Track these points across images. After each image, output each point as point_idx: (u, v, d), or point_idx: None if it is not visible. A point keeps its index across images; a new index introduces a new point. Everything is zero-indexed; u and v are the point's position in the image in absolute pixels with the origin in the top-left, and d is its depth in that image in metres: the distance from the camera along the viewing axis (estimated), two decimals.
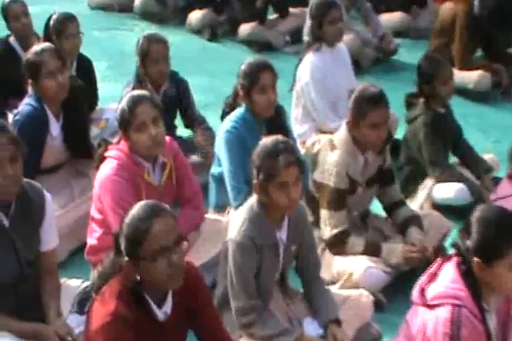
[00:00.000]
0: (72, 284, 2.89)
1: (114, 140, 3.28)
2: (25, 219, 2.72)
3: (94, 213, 3.19)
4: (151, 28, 7.36)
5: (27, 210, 2.73)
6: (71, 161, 3.94)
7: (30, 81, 3.73)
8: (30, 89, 3.81)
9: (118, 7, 7.77)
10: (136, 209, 2.28)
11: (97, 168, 3.22)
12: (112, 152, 3.17)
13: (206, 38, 6.89)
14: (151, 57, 4.04)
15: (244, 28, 6.60)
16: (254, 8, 6.59)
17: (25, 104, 3.74)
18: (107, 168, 3.11)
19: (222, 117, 3.78)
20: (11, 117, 4.09)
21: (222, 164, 3.57)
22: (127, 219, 2.27)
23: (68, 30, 4.52)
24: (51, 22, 4.55)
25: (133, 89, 4.01)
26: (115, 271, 2.32)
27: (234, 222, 2.75)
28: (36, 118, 3.67)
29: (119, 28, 7.42)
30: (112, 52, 6.66)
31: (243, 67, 3.59)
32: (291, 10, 6.69)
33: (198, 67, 6.11)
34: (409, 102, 4.01)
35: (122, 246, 2.26)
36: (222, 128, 3.61)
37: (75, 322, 2.67)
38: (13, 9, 4.87)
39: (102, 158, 3.19)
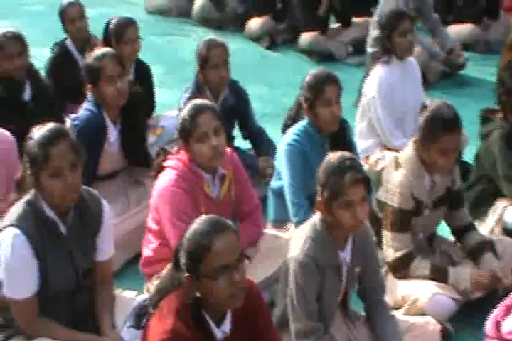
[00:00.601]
0: (127, 296, 2.89)
1: (174, 149, 3.29)
2: (82, 227, 2.74)
3: (151, 224, 3.19)
4: (208, 35, 7.38)
5: (84, 218, 2.74)
6: (127, 169, 3.97)
7: (89, 86, 3.78)
8: (89, 94, 3.86)
9: (176, 12, 7.85)
10: (199, 223, 2.27)
11: (155, 177, 3.23)
12: (171, 162, 3.18)
13: (265, 46, 6.91)
14: (211, 62, 4.04)
15: (305, 37, 6.59)
16: (315, 17, 6.58)
17: (84, 109, 3.79)
18: (166, 178, 3.12)
19: (284, 130, 3.76)
20: (68, 122, 4.14)
21: (282, 178, 3.55)
22: (188, 234, 2.26)
23: (127, 35, 4.55)
24: (110, 26, 4.60)
25: (192, 95, 4.05)
26: (174, 286, 2.31)
27: (296, 239, 2.72)
28: (94, 123, 3.71)
29: (176, 34, 7.49)
30: (169, 58, 6.73)
31: (307, 78, 3.56)
32: (354, 19, 6.68)
33: (256, 76, 6.12)
34: (485, 117, 3.89)
35: (182, 261, 2.25)
36: (283, 141, 3.59)
37: (129, 336, 2.67)
38: (69, 12, 4.98)
39: (161, 168, 3.21)
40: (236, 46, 6.86)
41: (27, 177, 2.68)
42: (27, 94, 4.31)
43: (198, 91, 4.09)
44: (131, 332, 2.68)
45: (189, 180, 3.11)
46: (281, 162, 3.56)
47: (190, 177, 3.12)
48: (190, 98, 4.05)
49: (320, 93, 3.48)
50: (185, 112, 3.13)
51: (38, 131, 2.64)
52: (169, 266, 2.42)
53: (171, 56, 6.79)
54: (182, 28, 7.62)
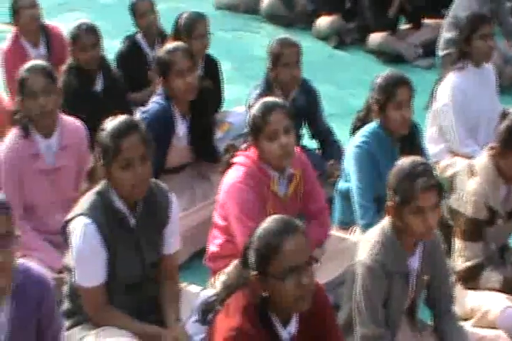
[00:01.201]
0: (192, 290, 2.90)
1: (243, 146, 3.28)
2: (150, 220, 2.75)
3: (217, 219, 3.20)
4: (277, 32, 7.40)
5: (153, 211, 2.75)
6: (194, 163, 3.99)
7: (159, 79, 3.81)
8: (159, 88, 3.89)
9: (243, 8, 7.84)
10: (269, 222, 2.26)
11: (223, 173, 3.23)
12: (240, 158, 3.18)
13: (332, 46, 6.85)
14: (283, 61, 4.00)
15: (375, 38, 6.51)
16: (386, 18, 6.50)
17: (154, 102, 3.82)
18: (234, 175, 3.11)
19: (353, 131, 3.72)
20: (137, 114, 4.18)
21: (349, 179, 3.51)
22: (259, 232, 2.25)
23: (198, 30, 4.55)
24: (181, 21, 4.59)
25: (261, 93, 4.04)
26: (241, 283, 2.31)
27: (364, 243, 2.68)
28: (164, 117, 3.74)
29: (245, 30, 7.49)
30: (237, 54, 6.73)
31: (379, 80, 3.51)
32: (425, 21, 6.56)
33: (323, 75, 6.06)
34: None
35: (251, 260, 2.24)
36: (352, 142, 3.55)
37: (194, 330, 2.68)
38: (140, 6, 5.04)
39: (229, 164, 3.21)
40: (304, 44, 6.79)
41: (98, 168, 2.71)
42: (99, 86, 4.38)
43: (268, 89, 4.06)
44: (196, 327, 2.70)
45: (257, 178, 3.09)
46: (349, 164, 3.51)
47: (258, 175, 3.10)
48: (260, 95, 4.03)
49: (391, 95, 3.42)
50: (256, 109, 3.11)
51: (111, 123, 2.67)
52: (236, 262, 2.42)
53: (239, 52, 6.79)
54: (250, 24, 7.62)
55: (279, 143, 3.03)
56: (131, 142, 2.61)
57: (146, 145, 2.65)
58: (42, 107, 3.32)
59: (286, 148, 3.04)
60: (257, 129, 3.08)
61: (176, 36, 4.59)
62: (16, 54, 4.85)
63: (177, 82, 3.72)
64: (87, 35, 4.30)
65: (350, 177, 3.51)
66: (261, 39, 7.13)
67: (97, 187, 2.71)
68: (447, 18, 5.73)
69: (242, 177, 3.08)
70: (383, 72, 3.59)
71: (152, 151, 2.69)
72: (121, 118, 2.70)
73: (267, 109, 3.08)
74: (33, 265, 2.40)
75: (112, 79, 4.42)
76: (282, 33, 7.31)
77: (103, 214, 2.63)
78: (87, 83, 4.32)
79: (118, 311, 2.70)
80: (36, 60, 4.66)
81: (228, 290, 2.33)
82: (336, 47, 6.83)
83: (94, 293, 2.66)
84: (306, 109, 4.18)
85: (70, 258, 2.72)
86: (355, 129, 3.71)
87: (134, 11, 5.05)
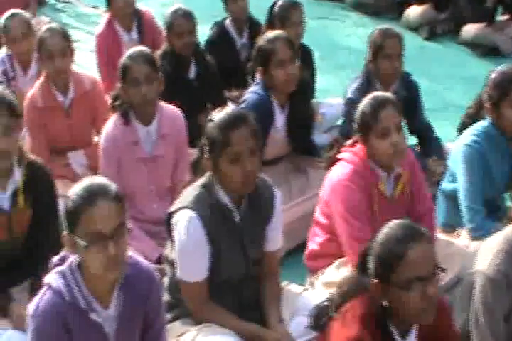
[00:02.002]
0: (293, 290, 2.78)
1: (348, 141, 3.15)
2: (255, 215, 2.65)
3: (319, 217, 3.08)
4: (362, 21, 7.21)
5: (258, 206, 2.65)
6: (290, 155, 3.88)
7: (259, 68, 3.69)
8: (257, 77, 3.78)
9: None
10: (393, 228, 2.13)
11: (327, 168, 3.10)
12: (346, 155, 3.04)
13: (424, 37, 6.61)
14: (385, 52, 3.84)
15: (469, 29, 6.25)
16: (482, 8, 6.24)
17: (252, 92, 3.71)
18: (340, 172, 2.98)
19: (461, 129, 3.53)
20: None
21: (455, 180, 3.33)
22: (381, 238, 2.12)
23: (293, 17, 4.43)
24: (275, 8, 4.47)
25: (361, 85, 3.91)
26: (358, 291, 2.19)
27: (485, 251, 2.51)
28: (262, 107, 3.62)
29: (330, 18, 7.29)
30: (323, 43, 6.54)
31: (493, 75, 3.30)
32: None
33: (415, 68, 5.74)
34: None
35: (371, 266, 2.12)
36: (460, 141, 3.36)
37: (297, 332, 2.57)
38: None
39: (334, 160, 3.08)
40: None
41: (203, 160, 2.62)
42: (192, 72, 4.31)
43: (367, 82, 3.92)
44: (299, 329, 2.60)
45: (364, 177, 2.95)
46: (456, 163, 3.33)
47: (366, 174, 2.96)
48: (359, 88, 3.91)
49: (507, 92, 3.22)
50: (365, 105, 2.96)
51: (219, 114, 2.56)
52: (351, 269, 2.30)
53: (326, 41, 6.61)
54: (336, 12, 7.42)
55: (391, 141, 2.88)
56: (241, 135, 2.49)
57: (255, 138, 2.53)
58: (144, 96, 3.27)
59: (397, 147, 2.89)
60: (367, 126, 2.93)
61: (270, 24, 4.48)
62: (109, 38, 4.85)
63: (278, 73, 3.60)
64: (183, 21, 4.24)
65: (456, 177, 3.33)
66: (347, 28, 6.96)
67: (202, 180, 2.61)
68: None
69: (349, 175, 2.95)
70: (499, 67, 3.38)
71: (261, 144, 2.58)
72: (230, 110, 2.60)
73: (378, 105, 2.92)
74: (141, 258, 2.34)
75: (205, 66, 4.35)
76: (368, 22, 7.15)
77: (208, 208, 2.54)
78: (181, 70, 4.26)
79: (220, 308, 2.61)
80: (129, 44, 4.72)
81: (344, 297, 2.20)
82: (427, 38, 6.58)
83: (196, 288, 2.57)
84: (406, 103, 3.98)
85: (170, 251, 2.64)
86: (463, 127, 3.51)
87: None
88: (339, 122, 4.39)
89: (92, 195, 2.08)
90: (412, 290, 2.04)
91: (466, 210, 3.24)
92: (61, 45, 3.81)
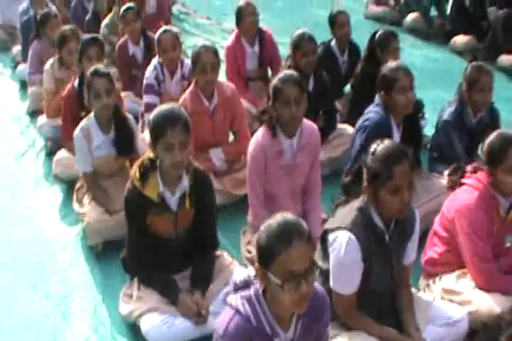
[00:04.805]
0: (424, 298, 2.40)
1: (468, 168, 2.69)
2: (400, 235, 2.27)
3: (438, 228, 2.65)
4: (416, 43, 6.61)
5: (402, 227, 2.27)
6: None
7: (381, 92, 3.20)
8: (377, 99, 3.30)
9: (390, 20, 7.01)
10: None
11: (450, 190, 2.66)
12: (470, 181, 2.59)
13: (468, 61, 6.00)
14: (479, 86, 3.35)
15: (506, 58, 5.63)
16: None
17: (373, 112, 3.22)
18: (468, 197, 2.54)
19: None
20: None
21: None
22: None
23: (392, 45, 3.96)
24: (377, 36, 4.00)
25: (454, 111, 3.43)
26: None
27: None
28: (383, 125, 3.15)
29: None
30: None
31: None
32: None
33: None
34: None
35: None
36: None
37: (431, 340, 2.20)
38: (339, 18, 4.46)
39: (458, 184, 2.63)
40: (442, 56, 6.07)
41: (363, 187, 2.20)
42: (310, 86, 3.83)
43: (461, 108, 3.43)
44: (433, 338, 2.22)
45: (488, 202, 2.51)
46: None
47: (490, 200, 2.52)
48: (453, 112, 3.44)
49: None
50: (493, 141, 2.51)
51: (381, 148, 2.16)
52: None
53: None
54: None
55: None
56: (403, 170, 2.11)
57: (413, 173, 2.14)
58: (292, 114, 2.81)
59: None
60: (495, 160, 2.48)
61: (371, 50, 4.02)
62: (236, 50, 4.39)
63: (399, 98, 3.11)
64: (309, 43, 3.76)
65: None
66: (406, 49, 6.36)
67: (357, 204, 2.21)
68: None
69: (476, 200, 2.51)
70: None
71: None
72: (394, 145, 2.18)
73: (507, 143, 2.47)
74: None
75: (321, 81, 3.88)
76: (421, 45, 6.57)
77: (364, 230, 2.16)
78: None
79: (365, 316, 2.24)
80: (251, 56, 4.28)
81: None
82: (470, 62, 5.97)
83: (347, 299, 2.20)
84: (489, 128, 3.51)
85: (321, 260, 2.23)
86: None
87: (333, 23, 4.47)
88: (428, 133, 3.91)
89: (288, 235, 1.68)
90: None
91: None
92: (213, 60, 3.35)
